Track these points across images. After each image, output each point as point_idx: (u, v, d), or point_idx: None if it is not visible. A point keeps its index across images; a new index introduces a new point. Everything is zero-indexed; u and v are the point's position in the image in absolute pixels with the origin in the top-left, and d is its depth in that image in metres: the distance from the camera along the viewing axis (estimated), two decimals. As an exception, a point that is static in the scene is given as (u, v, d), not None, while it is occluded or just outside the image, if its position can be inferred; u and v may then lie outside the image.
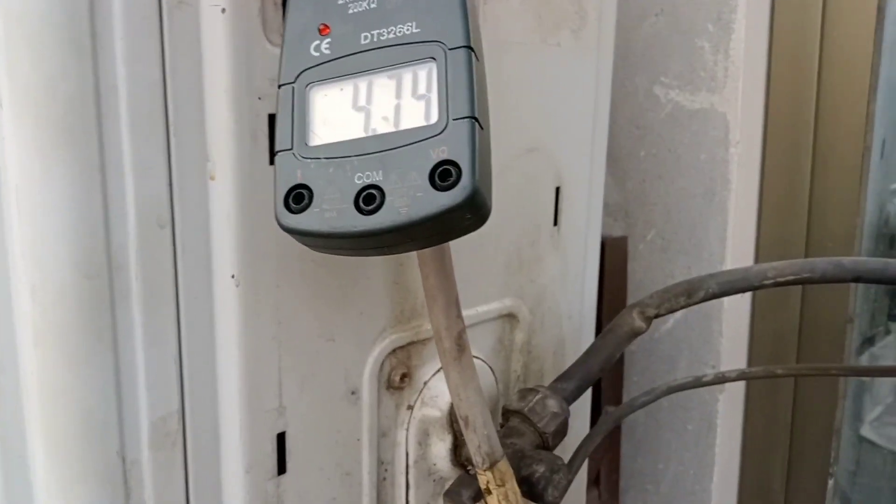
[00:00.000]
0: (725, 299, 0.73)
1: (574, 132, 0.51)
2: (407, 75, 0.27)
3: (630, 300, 0.79)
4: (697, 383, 0.56)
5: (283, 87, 0.29)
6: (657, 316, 0.51)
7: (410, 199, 0.25)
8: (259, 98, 0.34)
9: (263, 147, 0.35)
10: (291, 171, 0.28)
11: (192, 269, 0.34)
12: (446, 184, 0.25)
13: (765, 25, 0.69)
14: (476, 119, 0.26)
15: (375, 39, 0.28)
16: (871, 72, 0.66)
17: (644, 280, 0.78)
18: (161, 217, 0.33)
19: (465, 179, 0.25)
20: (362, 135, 0.27)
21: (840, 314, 0.72)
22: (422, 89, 0.27)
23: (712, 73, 0.71)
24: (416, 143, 0.26)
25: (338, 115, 0.28)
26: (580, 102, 0.51)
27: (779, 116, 0.70)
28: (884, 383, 1.09)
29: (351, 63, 0.28)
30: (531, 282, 0.50)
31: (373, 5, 0.29)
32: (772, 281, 0.53)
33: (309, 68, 0.29)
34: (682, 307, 0.52)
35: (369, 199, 0.26)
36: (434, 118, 0.26)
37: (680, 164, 0.74)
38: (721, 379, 0.57)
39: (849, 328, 0.71)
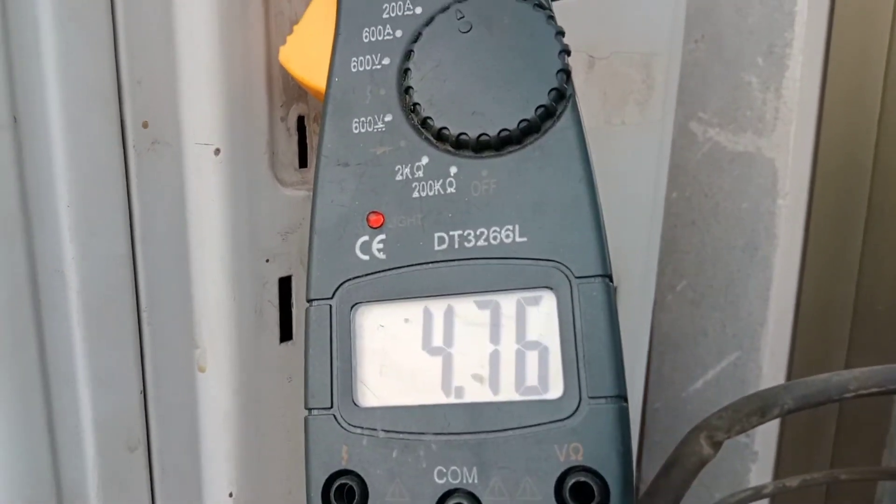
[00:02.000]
0: (763, 361, 0.66)
1: (633, 219, 0.43)
2: (508, 307, 0.18)
3: (654, 354, 0.72)
4: (757, 495, 0.49)
5: (315, 305, 0.20)
6: (727, 438, 0.44)
7: None
8: (267, 260, 0.25)
9: (272, 322, 0.26)
10: (333, 448, 0.18)
11: (174, 497, 0.25)
12: None
13: (820, 62, 0.61)
14: (624, 398, 0.17)
15: (457, 245, 0.19)
16: (942, 120, 0.59)
17: (671, 333, 0.71)
18: (131, 437, 0.24)
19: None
20: (443, 400, 0.18)
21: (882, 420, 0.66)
22: (533, 334, 0.18)
23: (760, 114, 0.62)
24: (530, 428, 0.17)
25: (402, 360, 0.19)
26: (641, 185, 0.42)
27: (831, 167, 0.62)
28: None
29: (419, 278, 0.19)
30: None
31: (450, 189, 0.19)
32: (853, 393, 0.45)
33: (354, 278, 0.19)
34: (754, 426, 0.44)
35: None
36: (558, 389, 0.18)
37: (718, 211, 0.66)
38: (782, 489, 0.50)
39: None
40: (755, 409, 0.44)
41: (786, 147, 0.61)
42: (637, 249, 0.44)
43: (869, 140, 0.62)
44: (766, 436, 0.68)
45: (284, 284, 0.26)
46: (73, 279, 0.22)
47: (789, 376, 0.67)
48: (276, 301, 0.26)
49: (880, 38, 0.60)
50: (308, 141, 0.26)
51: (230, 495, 0.26)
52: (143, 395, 0.24)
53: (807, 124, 0.62)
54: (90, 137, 0.21)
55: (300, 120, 0.26)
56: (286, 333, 0.26)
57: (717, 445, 0.44)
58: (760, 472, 0.69)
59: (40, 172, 0.21)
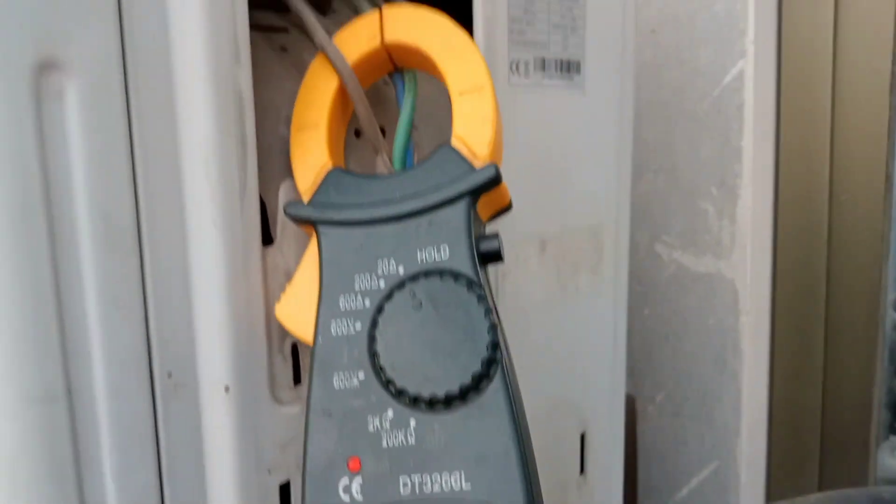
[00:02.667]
0: (741, 469, 0.70)
1: (596, 372, 0.48)
2: None
3: (641, 464, 0.76)
4: None
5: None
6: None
7: None
8: (269, 471, 0.30)
9: (275, 524, 0.30)
10: None
11: None
12: None
13: (770, 191, 0.67)
14: None
15: (417, 491, 0.24)
16: (882, 240, 0.64)
17: (656, 443, 0.75)
18: None
19: None
20: None
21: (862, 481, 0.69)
22: None
23: (717, 238, 0.68)
24: None
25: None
26: (601, 341, 0.47)
27: (789, 285, 0.68)
28: None
29: None
30: (558, 541, 0.46)
31: (411, 440, 0.24)
32: (810, 518, 0.50)
33: None
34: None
35: None
36: None
37: (687, 327, 0.71)
38: None
39: None
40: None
41: (744, 269, 0.67)
42: (603, 393, 0.48)
43: (821, 260, 0.67)
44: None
45: (284, 490, 0.30)
46: (113, 509, 0.27)
47: (767, 483, 0.71)
48: (277, 504, 0.30)
49: (822, 171, 0.66)
50: (300, 362, 0.31)
51: None
52: None
53: (763, 247, 0.68)
54: (127, 394, 0.26)
55: (293, 347, 0.31)
56: None
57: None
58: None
59: (88, 428, 0.26)
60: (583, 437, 0.47)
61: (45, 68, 0.23)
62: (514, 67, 0.36)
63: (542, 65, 0.37)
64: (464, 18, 0.34)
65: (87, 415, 0.26)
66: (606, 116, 0.47)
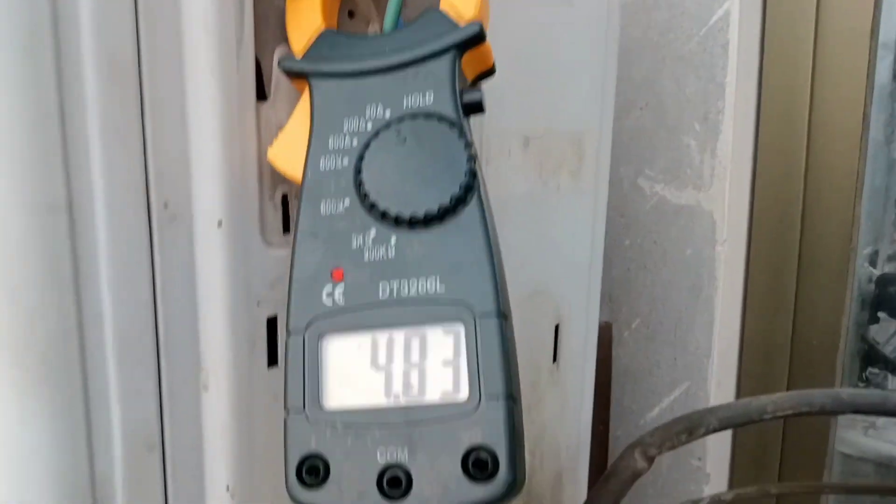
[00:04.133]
0: (711, 390, 0.73)
1: (573, 269, 0.50)
2: (432, 337, 0.26)
3: (615, 386, 0.79)
4: (692, 509, 0.56)
5: (292, 336, 0.27)
6: (659, 454, 0.51)
7: (442, 487, 0.24)
8: (257, 303, 0.33)
9: (262, 352, 0.33)
10: (304, 438, 0.26)
11: (182, 488, 0.32)
12: (482, 475, 0.24)
13: (751, 127, 0.69)
14: (513, 397, 0.25)
15: (395, 294, 0.26)
16: (857, 178, 0.67)
17: (630, 367, 0.78)
18: (150, 439, 0.31)
19: (503, 472, 0.23)
20: (384, 402, 0.25)
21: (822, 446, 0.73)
22: (448, 354, 0.25)
23: (699, 172, 0.70)
24: (444, 420, 0.25)
25: (355, 374, 0.26)
26: (579, 240, 0.50)
27: (765, 218, 0.70)
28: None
29: (368, 316, 0.26)
30: (531, 423, 0.49)
31: (391, 254, 0.27)
32: (770, 415, 0.52)
33: (321, 316, 0.27)
34: (684, 444, 0.51)
35: (394, 482, 0.24)
36: (464, 393, 0.25)
37: (666, 256, 0.74)
38: (717, 501, 0.57)
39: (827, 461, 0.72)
40: (683, 428, 0.52)
41: (722, 200, 0.69)
42: (578, 290, 0.51)
43: (797, 192, 0.70)
44: (719, 460, 0.74)
45: (271, 322, 0.33)
46: (109, 321, 0.29)
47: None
48: (264, 336, 0.33)
49: (802, 109, 0.68)
50: (290, 212, 0.34)
51: (227, 488, 0.33)
52: (159, 407, 0.31)
53: (741, 180, 0.70)
54: (124, 215, 0.29)
55: (284, 197, 0.33)
56: (273, 360, 0.34)
57: (650, 460, 0.51)
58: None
59: (87, 240, 0.28)
60: (557, 329, 0.50)
61: None
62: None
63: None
64: None
65: (86, 228, 0.28)
66: (593, 31, 0.49)
